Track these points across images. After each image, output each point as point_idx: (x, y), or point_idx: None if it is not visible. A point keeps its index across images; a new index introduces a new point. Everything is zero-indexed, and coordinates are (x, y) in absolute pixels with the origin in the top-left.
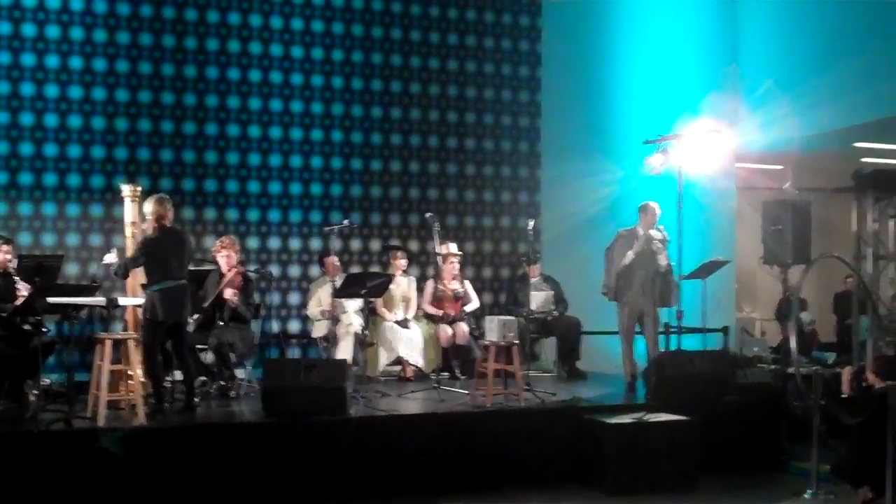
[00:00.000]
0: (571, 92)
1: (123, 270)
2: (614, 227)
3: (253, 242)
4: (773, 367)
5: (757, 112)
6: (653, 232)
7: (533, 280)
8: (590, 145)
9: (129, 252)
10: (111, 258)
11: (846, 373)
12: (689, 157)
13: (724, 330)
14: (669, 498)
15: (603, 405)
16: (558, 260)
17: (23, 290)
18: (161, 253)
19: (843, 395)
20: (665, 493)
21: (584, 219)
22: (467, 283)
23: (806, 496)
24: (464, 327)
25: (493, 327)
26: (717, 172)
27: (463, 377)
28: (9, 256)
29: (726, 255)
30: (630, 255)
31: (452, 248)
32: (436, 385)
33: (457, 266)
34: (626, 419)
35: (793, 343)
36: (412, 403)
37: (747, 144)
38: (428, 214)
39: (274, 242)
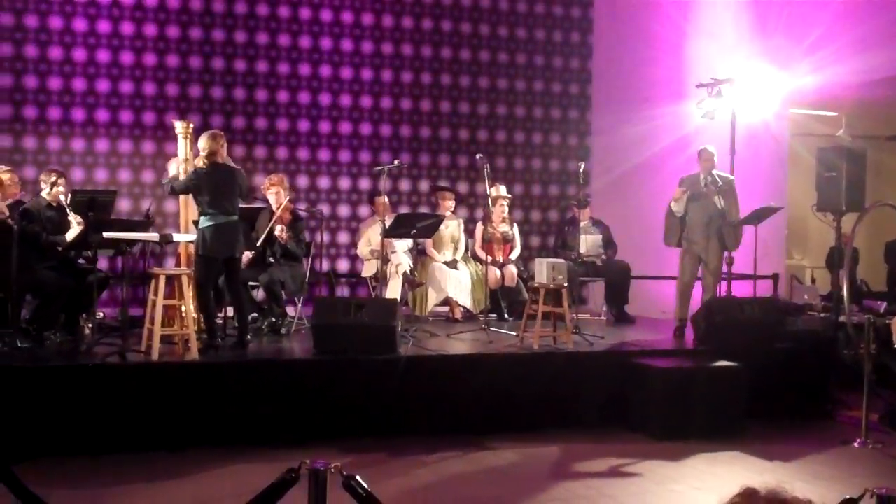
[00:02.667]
0: (624, 33)
1: (169, 190)
2: (667, 173)
3: (303, 181)
4: (823, 315)
5: (811, 57)
6: (716, 173)
7: (582, 223)
8: (642, 88)
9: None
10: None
11: None
12: (743, 101)
13: (775, 277)
14: (716, 444)
15: (651, 350)
16: (609, 204)
17: (73, 222)
18: (213, 188)
19: (894, 346)
20: (712, 439)
21: (636, 163)
22: (515, 228)
23: (854, 445)
24: (512, 269)
25: (543, 270)
26: (770, 117)
27: (511, 319)
28: (62, 189)
29: (778, 200)
30: (674, 201)
31: (502, 190)
32: (484, 326)
33: (506, 208)
34: (675, 364)
35: (844, 291)
36: (460, 344)
37: (801, 89)
38: (478, 156)
39: (323, 182)
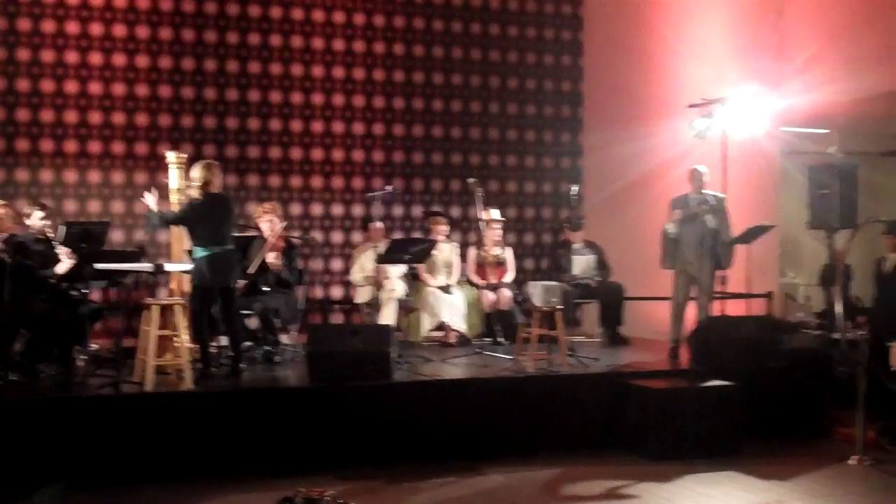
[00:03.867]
0: (614, 55)
1: (162, 223)
2: (659, 193)
3: (296, 209)
4: (817, 332)
5: (802, 77)
6: (707, 193)
7: (575, 246)
8: (633, 109)
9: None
10: (151, 200)
11: None
12: (734, 120)
13: (768, 295)
14: (712, 463)
15: (646, 371)
16: (601, 226)
17: (63, 254)
18: (208, 218)
19: (893, 370)
20: (708, 459)
21: (627, 184)
22: (509, 251)
23: (850, 462)
24: (506, 293)
25: (537, 292)
26: (761, 136)
27: (506, 342)
28: (47, 222)
29: (771, 219)
30: (670, 223)
31: (495, 214)
32: (478, 350)
33: (499, 232)
34: (670, 384)
35: (838, 308)
36: (455, 368)
37: (792, 108)
38: (471, 180)
39: (316, 209)
